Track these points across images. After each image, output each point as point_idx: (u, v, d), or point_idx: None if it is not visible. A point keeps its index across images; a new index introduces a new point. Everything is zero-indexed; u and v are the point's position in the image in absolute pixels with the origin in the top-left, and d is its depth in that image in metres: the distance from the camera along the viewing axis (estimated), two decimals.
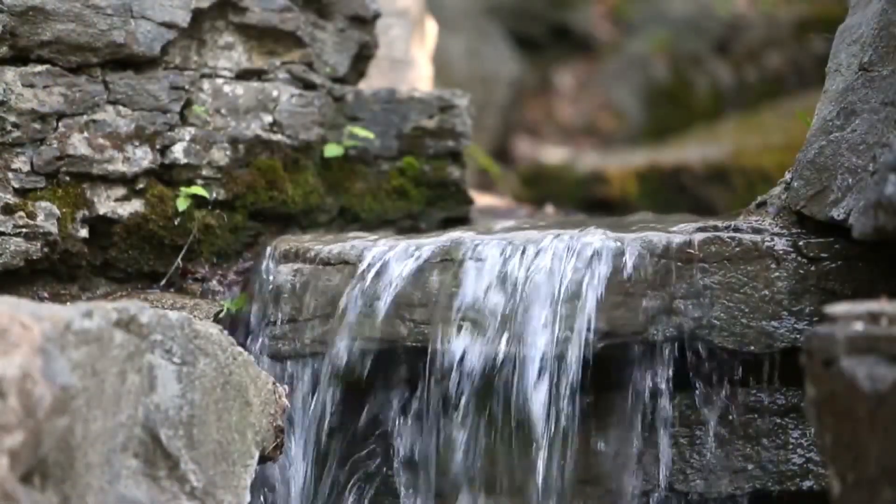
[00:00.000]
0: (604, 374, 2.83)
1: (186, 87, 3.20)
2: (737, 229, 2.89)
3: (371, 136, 3.40)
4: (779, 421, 2.84)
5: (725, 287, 2.82)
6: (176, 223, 3.19)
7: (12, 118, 3.02)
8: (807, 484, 2.82)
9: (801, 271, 2.83)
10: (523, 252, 2.87)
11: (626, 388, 2.86)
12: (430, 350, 2.86)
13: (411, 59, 4.60)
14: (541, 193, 5.86)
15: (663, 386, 2.84)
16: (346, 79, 3.46)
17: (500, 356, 2.82)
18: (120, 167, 3.12)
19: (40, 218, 3.03)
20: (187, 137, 3.20)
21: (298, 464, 2.93)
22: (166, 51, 3.18)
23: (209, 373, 2.45)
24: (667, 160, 6.28)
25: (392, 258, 2.92)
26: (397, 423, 2.95)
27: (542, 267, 2.84)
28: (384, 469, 2.96)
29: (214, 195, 3.23)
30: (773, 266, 2.83)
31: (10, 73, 3.03)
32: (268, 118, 3.30)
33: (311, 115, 3.36)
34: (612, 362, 2.84)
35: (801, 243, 2.84)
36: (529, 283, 2.83)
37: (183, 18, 3.18)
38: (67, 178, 3.09)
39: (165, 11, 3.16)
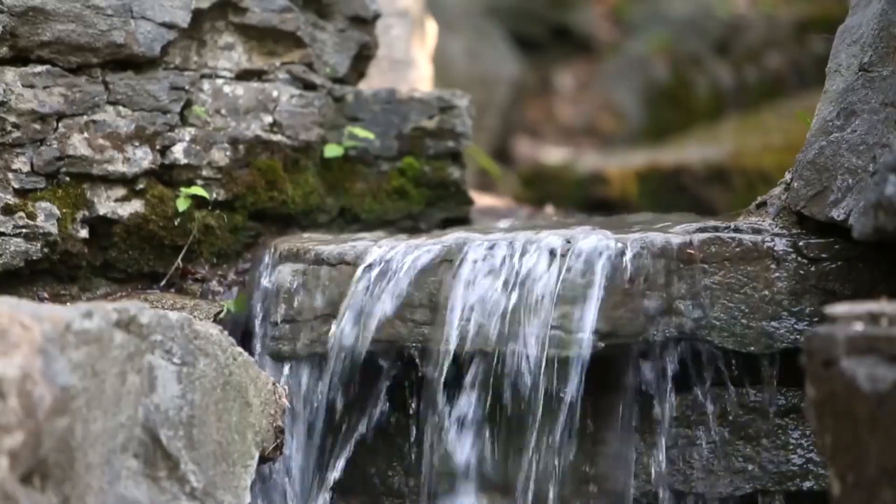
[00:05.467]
0: (604, 375, 2.83)
1: (186, 87, 3.20)
2: (737, 230, 2.89)
3: (371, 136, 3.40)
4: (779, 421, 2.84)
5: (725, 287, 2.82)
6: (176, 223, 3.19)
7: (12, 118, 3.02)
8: (807, 484, 2.82)
9: (802, 272, 2.83)
10: (523, 252, 2.87)
11: (627, 389, 2.86)
12: (430, 350, 2.86)
13: (411, 60, 4.60)
14: (541, 194, 5.86)
15: (663, 386, 2.84)
16: (346, 79, 3.46)
17: (501, 356, 2.82)
18: (120, 167, 3.12)
19: (40, 218, 3.03)
20: (187, 138, 3.20)
21: (297, 465, 2.93)
22: (166, 51, 3.18)
23: (209, 373, 2.45)
24: (667, 160, 6.28)
25: (392, 259, 2.92)
26: (398, 423, 2.95)
27: (542, 267, 2.84)
28: (384, 469, 2.96)
29: (214, 195, 3.23)
30: (773, 266, 2.83)
31: (10, 74, 3.03)
32: (268, 118, 3.30)
33: (311, 116, 3.36)
34: (613, 362, 2.84)
35: (801, 244, 2.84)
36: (530, 284, 2.83)
37: (183, 19, 3.18)
38: (67, 179, 3.09)
39: (165, 12, 3.16)
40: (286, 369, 2.97)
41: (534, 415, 2.80)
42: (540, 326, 2.81)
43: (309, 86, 3.37)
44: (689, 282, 2.82)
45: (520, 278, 2.84)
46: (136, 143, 3.14)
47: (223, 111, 3.26)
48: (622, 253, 2.83)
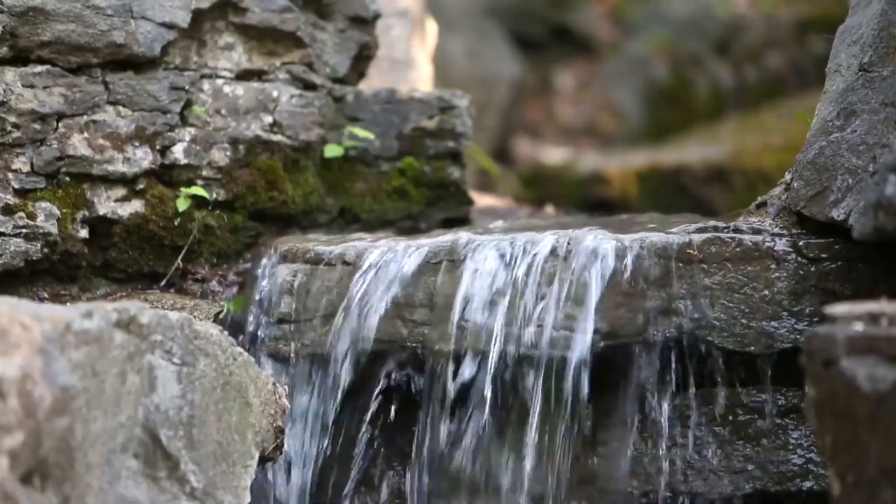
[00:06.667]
0: (604, 375, 2.83)
1: (186, 87, 3.20)
2: (737, 230, 2.89)
3: (371, 136, 3.40)
4: (779, 421, 2.84)
5: (725, 287, 2.82)
6: (176, 224, 3.19)
7: (12, 118, 3.02)
8: (807, 484, 2.82)
9: (801, 272, 2.83)
10: (523, 252, 2.87)
11: (627, 389, 2.86)
12: (430, 351, 2.86)
13: (411, 60, 4.60)
14: (541, 194, 5.86)
15: (663, 386, 2.84)
16: (346, 79, 3.46)
17: (501, 356, 2.82)
18: (120, 167, 3.12)
19: (40, 218, 3.03)
20: (187, 138, 3.20)
21: (297, 466, 2.93)
22: (166, 51, 3.18)
23: (209, 373, 2.45)
24: (667, 160, 6.29)
25: (392, 259, 2.92)
26: (398, 423, 2.95)
27: (541, 267, 2.84)
28: (385, 471, 2.96)
29: (214, 195, 3.23)
30: (773, 266, 2.83)
31: (10, 74, 3.03)
32: (268, 118, 3.30)
33: (312, 116, 3.36)
34: (613, 362, 2.84)
35: (801, 244, 2.84)
36: (529, 284, 2.83)
37: (183, 19, 3.18)
38: (67, 179, 3.09)
39: (165, 12, 3.16)
40: (286, 369, 2.97)
41: (534, 414, 2.80)
42: (540, 326, 2.80)
43: (309, 86, 3.37)
44: (689, 282, 2.82)
45: (520, 278, 2.84)
46: (136, 143, 3.14)
47: (223, 111, 3.26)
48: (622, 253, 2.83)
